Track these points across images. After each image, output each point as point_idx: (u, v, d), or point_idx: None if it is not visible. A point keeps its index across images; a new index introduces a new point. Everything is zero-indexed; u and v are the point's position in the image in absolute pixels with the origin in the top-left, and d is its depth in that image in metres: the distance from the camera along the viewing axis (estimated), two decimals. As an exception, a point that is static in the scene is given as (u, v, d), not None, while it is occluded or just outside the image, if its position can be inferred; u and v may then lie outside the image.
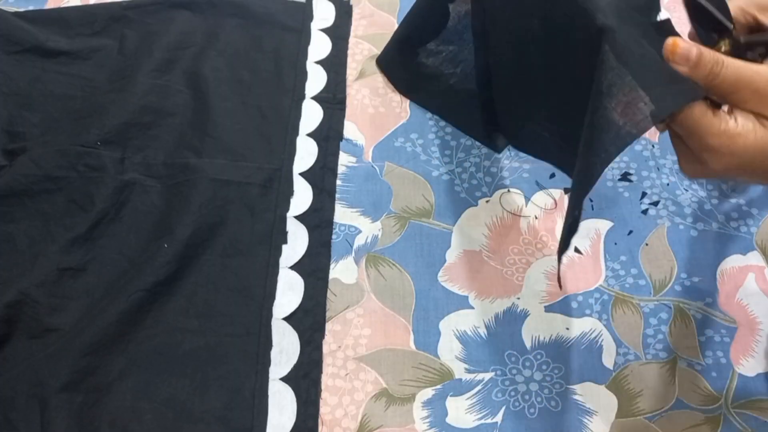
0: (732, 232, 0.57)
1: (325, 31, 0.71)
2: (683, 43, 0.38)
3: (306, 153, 0.62)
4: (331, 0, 0.74)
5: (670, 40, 0.38)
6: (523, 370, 0.51)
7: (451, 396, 0.50)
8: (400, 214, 0.58)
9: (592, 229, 0.58)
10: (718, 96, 0.38)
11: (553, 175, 0.60)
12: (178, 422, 0.48)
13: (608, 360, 0.51)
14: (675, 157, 0.60)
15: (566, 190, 0.60)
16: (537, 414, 0.49)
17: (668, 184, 0.60)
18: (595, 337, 0.52)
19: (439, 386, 0.50)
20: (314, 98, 0.66)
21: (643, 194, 0.59)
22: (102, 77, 0.67)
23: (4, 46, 0.68)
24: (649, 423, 0.49)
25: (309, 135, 0.63)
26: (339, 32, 0.71)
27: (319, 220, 0.58)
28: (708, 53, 0.38)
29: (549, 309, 0.54)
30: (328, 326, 0.53)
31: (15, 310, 0.52)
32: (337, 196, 0.60)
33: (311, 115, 0.64)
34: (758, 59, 0.39)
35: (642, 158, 0.61)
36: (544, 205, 0.59)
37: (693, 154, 0.40)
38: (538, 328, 0.53)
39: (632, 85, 0.38)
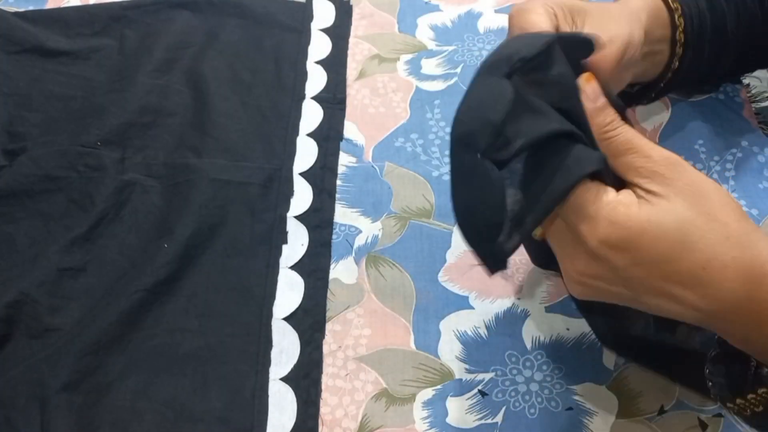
0: (732, 233, 0.57)
1: (325, 31, 0.71)
2: (597, 83, 0.37)
3: (306, 153, 0.62)
4: (331, 0, 0.74)
5: (586, 74, 0.37)
6: (523, 370, 0.51)
7: (451, 396, 0.50)
8: (400, 214, 0.58)
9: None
10: (608, 152, 0.36)
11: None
12: (178, 422, 0.48)
13: (609, 360, 0.51)
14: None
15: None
16: (537, 414, 0.49)
17: (668, 184, 0.60)
18: (596, 338, 0.52)
19: (439, 386, 0.50)
20: (314, 98, 0.66)
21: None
22: (102, 77, 0.67)
23: (4, 46, 0.68)
24: (650, 423, 0.49)
25: (309, 135, 0.63)
26: (339, 32, 0.71)
27: (319, 220, 0.58)
28: (612, 108, 0.37)
29: (549, 309, 0.54)
30: (328, 326, 0.53)
31: (15, 310, 0.52)
32: (337, 196, 0.60)
33: (311, 115, 0.64)
34: None
35: (642, 158, 0.61)
36: (544, 205, 0.59)
37: (570, 237, 0.36)
38: (538, 328, 0.53)
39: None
